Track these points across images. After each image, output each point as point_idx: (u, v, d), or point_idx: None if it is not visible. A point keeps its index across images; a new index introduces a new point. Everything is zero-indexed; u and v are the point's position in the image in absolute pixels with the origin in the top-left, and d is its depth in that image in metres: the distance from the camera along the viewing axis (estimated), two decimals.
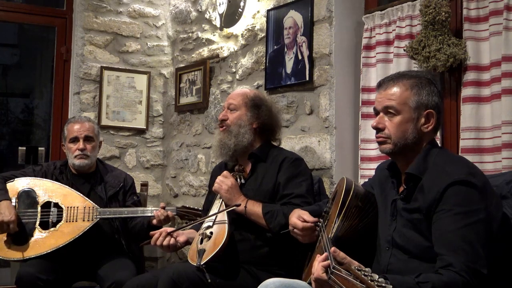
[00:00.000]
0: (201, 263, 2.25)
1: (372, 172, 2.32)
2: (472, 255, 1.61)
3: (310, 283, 1.86)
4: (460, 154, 2.43)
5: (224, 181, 2.53)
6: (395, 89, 1.88)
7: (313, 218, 2.12)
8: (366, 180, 2.39)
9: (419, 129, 1.85)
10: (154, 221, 2.86)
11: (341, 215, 1.96)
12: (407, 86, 1.87)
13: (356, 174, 2.95)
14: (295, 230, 2.15)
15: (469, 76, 2.46)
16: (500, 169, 2.30)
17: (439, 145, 2.45)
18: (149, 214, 2.94)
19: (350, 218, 1.97)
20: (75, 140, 3.10)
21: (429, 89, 1.86)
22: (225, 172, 2.58)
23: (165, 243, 2.53)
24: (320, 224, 2.10)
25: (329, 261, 1.53)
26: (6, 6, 4.35)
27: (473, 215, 1.66)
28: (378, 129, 1.90)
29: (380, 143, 1.92)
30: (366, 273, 1.29)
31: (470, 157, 2.32)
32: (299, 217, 2.15)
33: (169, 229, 2.59)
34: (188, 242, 2.59)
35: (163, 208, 2.89)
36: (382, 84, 1.94)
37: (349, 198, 1.97)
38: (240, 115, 2.64)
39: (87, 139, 3.11)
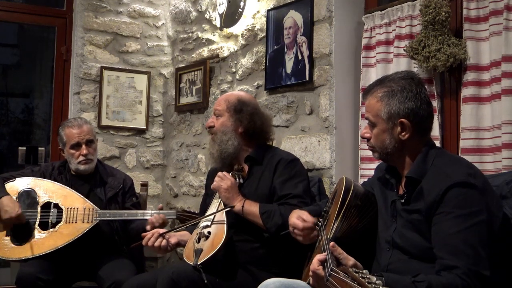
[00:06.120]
0: (198, 263, 2.24)
1: (372, 172, 2.32)
2: (473, 258, 1.60)
3: (310, 283, 1.86)
4: (460, 154, 2.42)
5: (224, 180, 2.52)
6: (370, 101, 1.91)
7: (313, 218, 2.11)
8: (366, 180, 2.39)
9: (396, 138, 1.85)
10: (148, 227, 2.76)
11: (340, 215, 1.95)
12: (378, 98, 1.87)
13: (356, 174, 2.95)
14: (295, 230, 2.14)
15: (469, 76, 2.45)
16: (500, 169, 2.29)
17: (439, 145, 2.45)
18: (149, 217, 2.91)
19: (350, 218, 1.96)
20: (77, 145, 3.07)
21: (401, 96, 1.83)
22: (224, 172, 2.57)
23: (156, 244, 2.52)
24: (320, 223, 2.10)
25: (325, 254, 1.54)
26: (6, 6, 4.35)
27: (474, 217, 1.65)
28: (366, 138, 1.95)
29: (370, 151, 1.97)
30: (364, 275, 1.29)
31: (470, 157, 2.32)
32: (298, 217, 2.13)
33: (161, 230, 2.58)
34: (179, 244, 2.59)
35: (161, 209, 2.87)
36: (363, 94, 1.97)
37: (348, 198, 1.97)
38: (223, 121, 2.62)
39: (89, 142, 3.09)
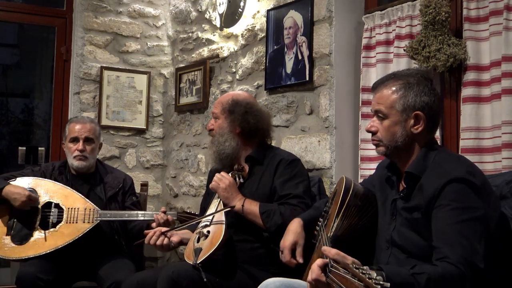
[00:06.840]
0: (197, 262, 2.25)
1: (372, 172, 2.33)
2: (469, 249, 1.61)
3: None
4: (460, 154, 2.43)
5: (222, 179, 2.53)
6: (383, 93, 1.90)
7: (301, 260, 2.14)
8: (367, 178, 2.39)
9: (408, 131, 1.86)
10: (154, 225, 2.83)
11: (340, 214, 1.96)
12: (394, 89, 1.88)
13: (356, 174, 2.95)
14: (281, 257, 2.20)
15: (469, 76, 2.46)
16: (500, 169, 2.30)
17: (439, 144, 2.45)
18: (149, 218, 2.92)
19: (350, 217, 1.97)
20: (75, 140, 3.09)
21: (417, 90, 1.85)
22: (222, 172, 2.58)
23: (158, 242, 2.55)
24: (320, 223, 2.10)
25: (326, 260, 1.53)
26: (6, 6, 4.35)
27: (470, 212, 1.67)
28: (372, 132, 1.94)
29: (375, 145, 1.95)
30: (364, 271, 1.29)
31: (470, 157, 2.31)
32: (291, 246, 2.16)
33: (163, 229, 2.60)
34: (182, 243, 2.60)
35: (164, 212, 2.87)
36: (374, 87, 1.97)
37: (348, 197, 1.97)
38: (220, 123, 2.66)
39: (87, 140, 3.10)
